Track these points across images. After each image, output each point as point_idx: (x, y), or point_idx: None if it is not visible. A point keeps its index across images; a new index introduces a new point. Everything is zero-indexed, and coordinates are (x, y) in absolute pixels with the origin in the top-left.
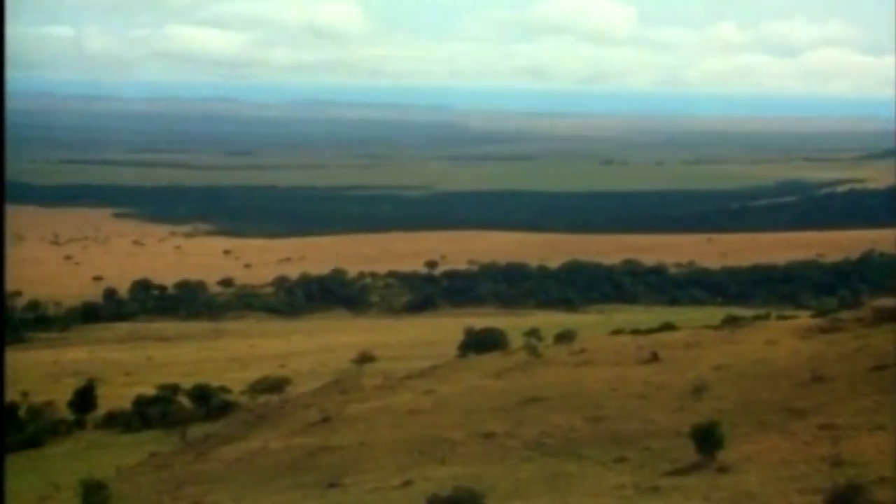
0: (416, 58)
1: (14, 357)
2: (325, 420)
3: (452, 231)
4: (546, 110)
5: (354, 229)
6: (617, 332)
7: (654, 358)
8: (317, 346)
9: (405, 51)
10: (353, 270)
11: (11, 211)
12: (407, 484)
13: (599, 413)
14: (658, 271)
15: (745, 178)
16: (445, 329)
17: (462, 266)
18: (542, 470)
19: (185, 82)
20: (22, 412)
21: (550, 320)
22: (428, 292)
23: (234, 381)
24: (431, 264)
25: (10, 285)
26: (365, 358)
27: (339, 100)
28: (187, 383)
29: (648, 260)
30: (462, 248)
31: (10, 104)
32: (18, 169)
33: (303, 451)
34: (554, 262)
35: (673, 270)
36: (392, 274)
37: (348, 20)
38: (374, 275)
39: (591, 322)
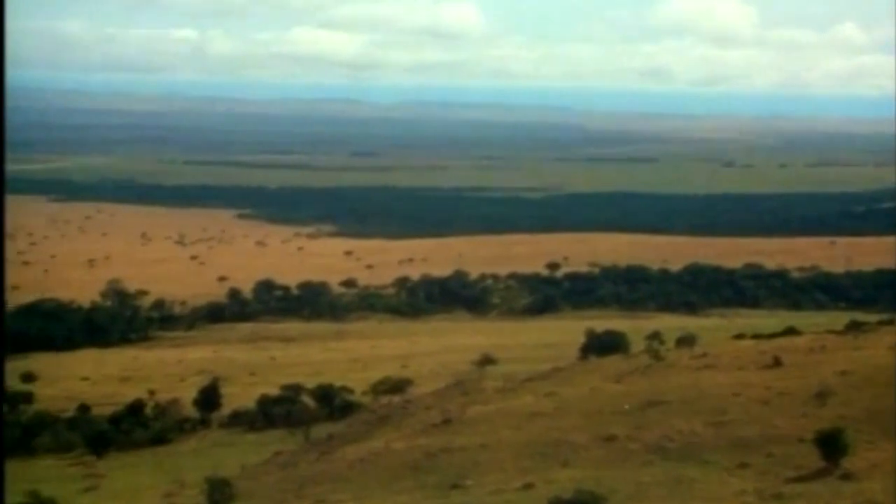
0: (536, 59)
1: (141, 355)
2: (447, 421)
3: (573, 233)
4: (666, 112)
5: (476, 231)
6: (739, 336)
7: (777, 363)
8: (438, 347)
9: (525, 52)
10: (474, 272)
11: (139, 211)
12: (528, 486)
13: (721, 418)
14: (780, 275)
15: (869, 181)
16: (566, 331)
17: (583, 268)
18: (664, 474)
19: (307, 84)
20: (148, 409)
21: (671, 324)
22: (549, 294)
23: (357, 381)
24: (553, 266)
25: (137, 284)
26: (486, 360)
27: (460, 101)
28: (310, 383)
29: (771, 263)
30: (583, 250)
31: (138, 106)
32: (144, 170)
33: (424, 452)
34: (675, 265)
35: (796, 274)
36: (513, 276)
37: (468, 21)
38: (495, 276)
39: (713, 326)
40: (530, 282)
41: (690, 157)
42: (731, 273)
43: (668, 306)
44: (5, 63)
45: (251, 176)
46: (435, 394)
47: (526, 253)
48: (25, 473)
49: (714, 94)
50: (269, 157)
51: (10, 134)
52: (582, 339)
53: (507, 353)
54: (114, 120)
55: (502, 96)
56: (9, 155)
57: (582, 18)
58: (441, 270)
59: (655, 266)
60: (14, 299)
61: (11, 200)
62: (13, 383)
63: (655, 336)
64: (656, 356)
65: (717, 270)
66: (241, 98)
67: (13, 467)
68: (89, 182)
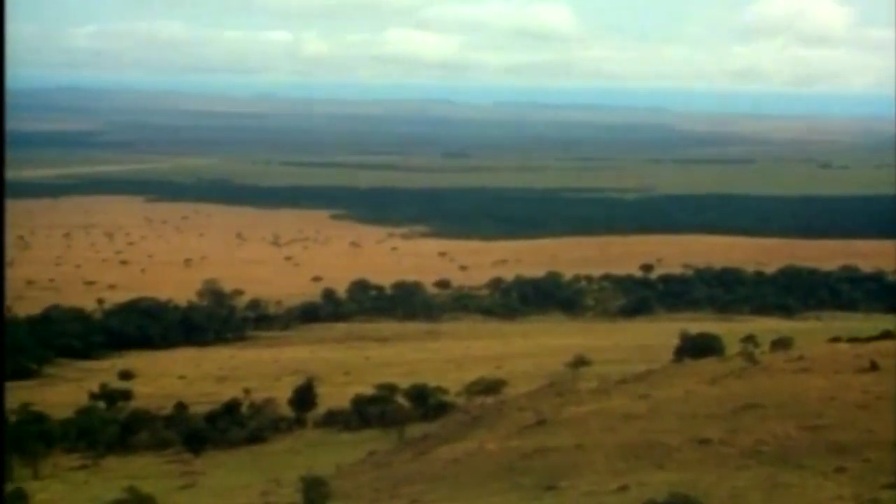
0: (629, 59)
1: (237, 355)
2: (541, 422)
3: (667, 235)
4: (761, 113)
5: (570, 232)
6: (835, 339)
7: (874, 367)
8: (532, 348)
9: (618, 52)
10: (568, 273)
11: (235, 212)
12: (623, 489)
13: (817, 422)
14: (877, 278)
15: None
16: (660, 333)
17: (677, 270)
18: (759, 478)
19: (401, 85)
20: (244, 408)
21: (766, 326)
22: (643, 296)
23: (451, 381)
24: (647, 268)
25: (233, 284)
26: (580, 361)
27: (553, 102)
28: (405, 383)
29: (867, 266)
30: (677, 252)
31: (233, 107)
32: (240, 170)
33: (519, 453)
34: (770, 268)
35: (892, 277)
36: (607, 277)
37: (561, 22)
38: (589, 278)
39: (808, 329)
40: (624, 283)
41: (785, 159)
42: (826, 275)
43: (762, 309)
44: (5, 63)
45: (345, 176)
46: (529, 395)
47: (620, 254)
48: (124, 470)
49: (809, 95)
50: (364, 158)
51: (112, 135)
52: (676, 342)
53: (601, 355)
54: (210, 121)
55: (595, 97)
56: (108, 156)
57: (676, 18)
58: (535, 271)
59: (750, 268)
60: (112, 298)
61: (111, 200)
62: (112, 381)
63: (750, 339)
64: (751, 359)
65: (812, 273)
66: (335, 99)
67: (112, 463)
68: (186, 183)
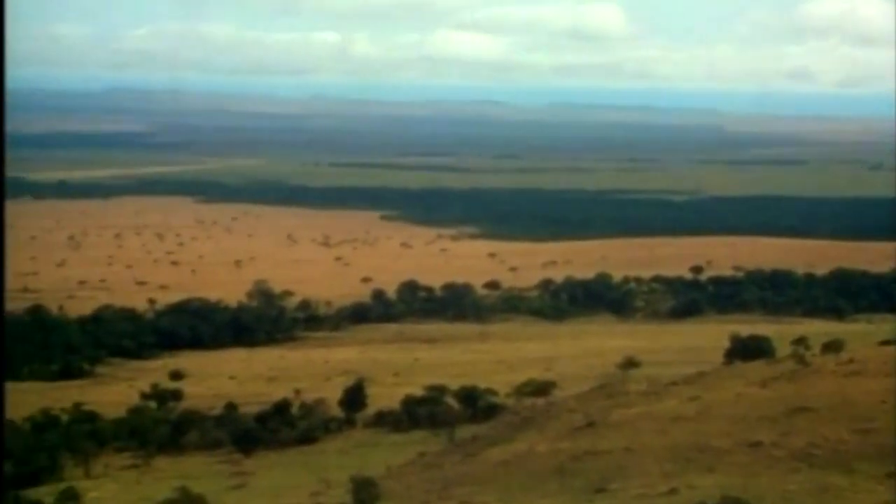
0: (679, 60)
1: (287, 355)
2: (591, 424)
3: (718, 236)
4: (811, 113)
5: (620, 233)
6: (886, 342)
7: None
8: (582, 350)
9: (668, 53)
10: (617, 274)
11: (285, 213)
12: (673, 492)
13: (869, 426)
14: None
15: None
16: (710, 335)
17: (727, 272)
18: (810, 482)
19: (451, 86)
20: (294, 409)
21: (817, 329)
22: (693, 298)
23: (501, 383)
24: (697, 269)
25: (283, 284)
26: (630, 363)
27: (603, 103)
28: (454, 385)
29: None
30: (727, 254)
31: (283, 108)
32: (290, 171)
33: (569, 455)
34: (821, 270)
35: None
36: (657, 279)
37: (611, 23)
38: (638, 279)
39: (860, 332)
40: (674, 285)
41: (836, 160)
42: (878, 278)
43: (813, 311)
44: (5, 63)
45: (395, 178)
46: (579, 397)
47: (669, 256)
48: (174, 470)
49: (859, 96)
50: (413, 159)
51: (164, 136)
52: (726, 344)
53: (651, 357)
54: (260, 122)
55: (645, 98)
56: (159, 157)
57: (725, 19)
58: (584, 273)
59: (801, 270)
60: (163, 298)
61: (162, 201)
62: (162, 381)
63: (801, 341)
64: (802, 361)
65: (863, 275)
66: (384, 100)
67: (163, 463)
68: (236, 184)
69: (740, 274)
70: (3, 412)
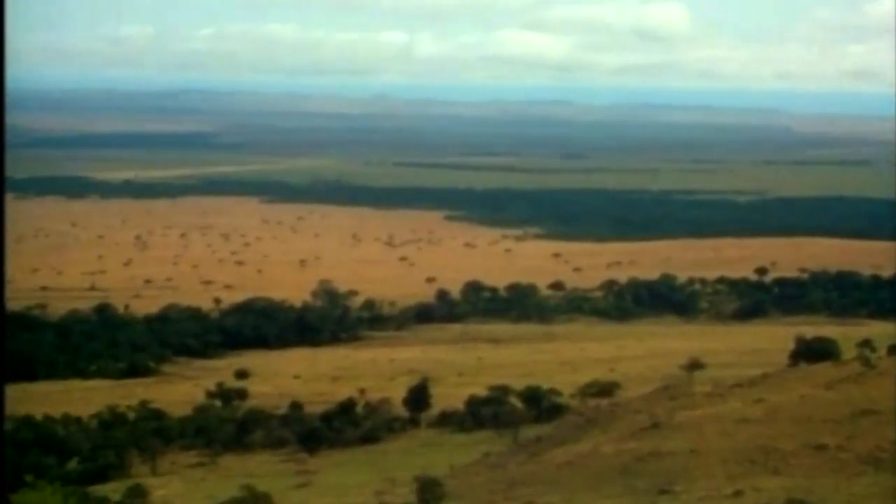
0: (744, 60)
1: (351, 355)
2: (655, 426)
3: (783, 237)
4: (877, 114)
5: (684, 234)
6: None
7: None
8: (646, 350)
9: (733, 52)
10: (682, 275)
11: (350, 213)
12: (738, 494)
13: None
14: None
15: None
16: (775, 337)
17: (792, 273)
18: (877, 485)
19: (515, 86)
20: (359, 408)
21: (883, 331)
22: (758, 299)
23: (565, 383)
24: (761, 271)
25: (347, 284)
26: (694, 364)
27: (667, 103)
28: (518, 385)
29: None
30: (792, 255)
31: (347, 108)
32: (354, 171)
33: (633, 456)
34: (887, 271)
35: None
36: (721, 280)
37: (676, 22)
38: (703, 280)
39: None
40: (739, 286)
41: None
42: None
43: (879, 313)
44: (5, 63)
45: (460, 178)
46: (643, 398)
47: (734, 257)
48: (240, 468)
49: None
50: (478, 159)
51: (229, 136)
52: (791, 345)
53: (716, 358)
54: (324, 122)
55: (710, 98)
56: (224, 157)
57: (791, 18)
58: (649, 274)
59: (867, 272)
60: (228, 298)
61: (227, 201)
62: (228, 379)
63: (867, 343)
64: (868, 364)
65: None
66: (449, 100)
67: (228, 461)
68: (301, 184)
69: (805, 275)
70: (3, 412)
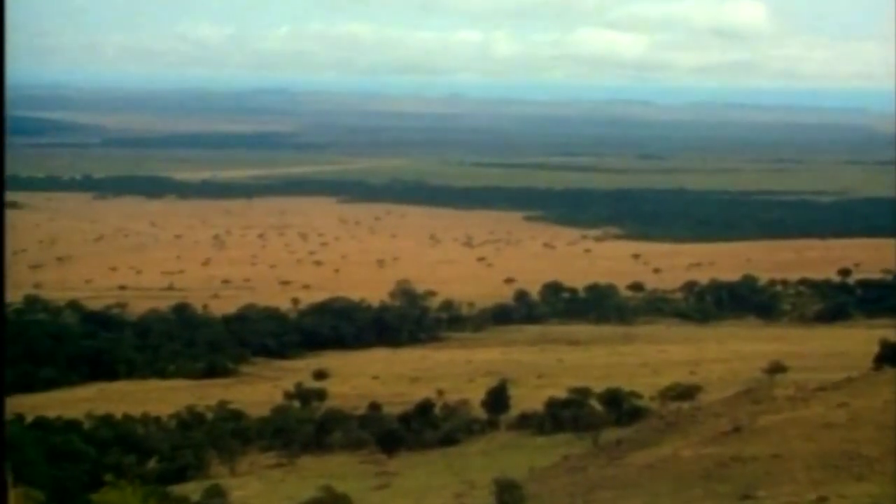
0: (826, 58)
1: (429, 356)
2: (737, 430)
3: (866, 238)
4: None
5: (766, 235)
6: None
7: None
8: (727, 353)
9: (814, 51)
10: (763, 277)
11: (428, 213)
12: (822, 500)
13: None
14: None
15: None
16: (859, 340)
17: (876, 275)
18: None
19: (593, 85)
20: (437, 410)
21: None
22: (841, 301)
23: (645, 386)
24: (844, 272)
25: (426, 285)
26: (776, 367)
27: (748, 102)
28: (598, 387)
29: None
30: (876, 257)
31: (425, 108)
32: (433, 171)
33: (714, 460)
34: None
35: None
36: (804, 282)
37: (755, 20)
38: (785, 282)
39: None
40: (821, 288)
41: None
42: None
43: None
44: (5, 63)
45: (538, 178)
46: (724, 401)
47: (816, 258)
48: (319, 469)
49: None
50: (557, 159)
51: (306, 136)
52: (875, 349)
53: (798, 361)
54: (402, 122)
55: (789, 97)
56: (302, 157)
57: (873, 15)
58: (730, 275)
59: None
60: (306, 298)
61: (305, 201)
62: (306, 380)
63: None
64: None
65: None
66: (526, 99)
67: (307, 462)
68: (379, 183)
69: (889, 277)
70: (4, 412)
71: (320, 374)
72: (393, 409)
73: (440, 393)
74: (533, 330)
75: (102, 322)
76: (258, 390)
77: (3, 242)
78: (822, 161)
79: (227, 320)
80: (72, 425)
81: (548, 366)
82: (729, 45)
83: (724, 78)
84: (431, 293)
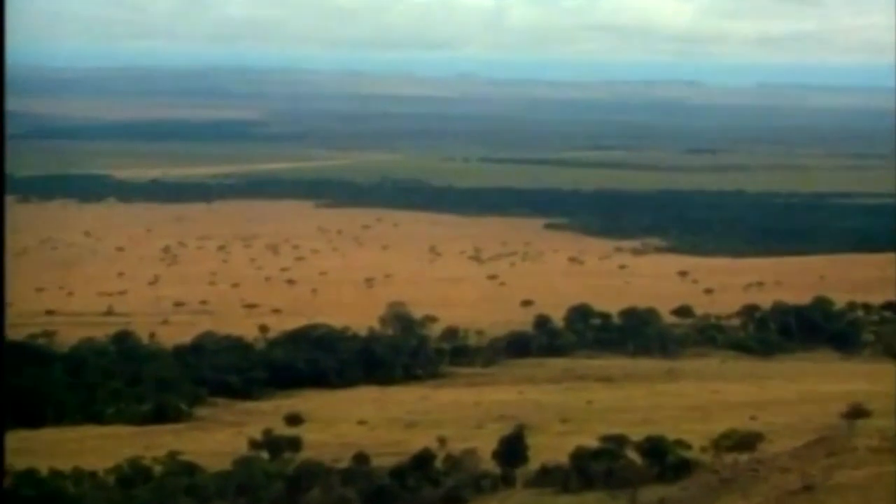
0: None
1: (429, 395)
2: (808, 488)
3: None
4: None
5: (843, 248)
6: None
7: None
8: (795, 394)
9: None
10: (840, 300)
11: (428, 219)
12: None
13: None
14: None
15: None
16: None
17: None
18: None
19: (630, 62)
20: (439, 462)
21: None
22: None
23: (694, 433)
24: None
25: (424, 308)
26: (857, 411)
27: (821, 83)
28: (636, 434)
29: None
30: None
31: (423, 90)
32: (433, 168)
33: None
34: None
35: None
36: (890, 306)
37: None
38: (866, 306)
39: None
40: None
41: None
42: None
43: None
44: (5, 63)
45: (562, 176)
46: (792, 453)
47: None
48: None
49: None
50: (585, 154)
51: (277, 126)
52: None
53: (883, 404)
54: (396, 108)
55: (873, 77)
56: (272, 151)
57: None
58: (798, 297)
59: None
60: (277, 325)
61: (276, 206)
62: (277, 426)
63: None
64: None
65: None
66: (547, 80)
67: None
68: (368, 184)
69: None
70: (4, 412)
71: (294, 419)
72: (384, 462)
73: (442, 441)
74: (556, 364)
75: (25, 355)
76: (217, 438)
77: (2, 243)
78: None
79: (180, 352)
80: None
81: (575, 408)
82: (798, 12)
83: (792, 53)
84: (431, 319)
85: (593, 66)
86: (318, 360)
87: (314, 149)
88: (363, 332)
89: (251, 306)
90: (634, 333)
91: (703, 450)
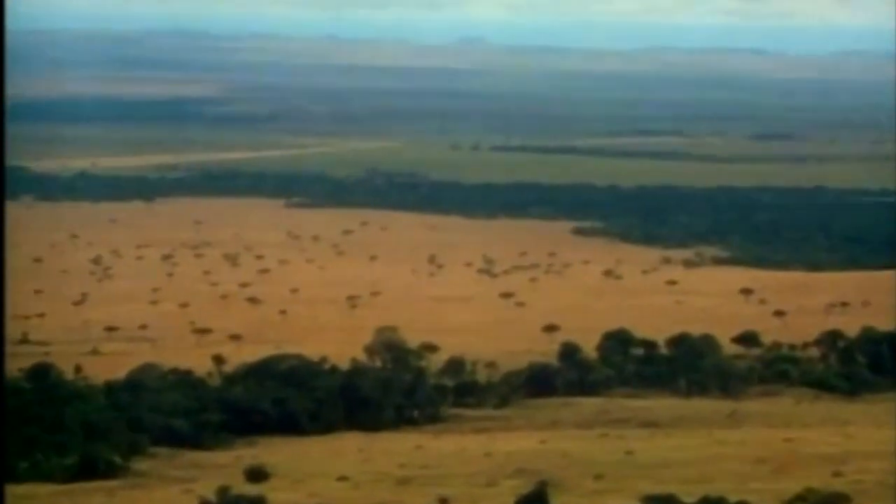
0: None
1: (427, 444)
2: None
3: None
4: None
5: None
6: None
7: None
8: (890, 442)
9: None
10: None
11: (425, 222)
12: None
13: None
14: None
15: None
16: None
17: None
18: None
19: (677, 26)
20: None
21: None
22: None
23: (763, 493)
24: None
25: (421, 334)
26: None
27: None
28: (689, 495)
29: None
30: None
31: (420, 60)
32: (433, 158)
33: None
34: None
35: None
36: None
37: None
38: None
39: None
40: None
41: None
42: None
43: None
44: (5, 62)
45: (595, 169)
46: None
47: None
48: None
49: None
50: (623, 141)
51: (237, 104)
52: None
53: None
54: (387, 83)
55: None
56: (231, 136)
57: None
58: (892, 322)
59: None
60: (236, 355)
61: (235, 205)
62: (235, 482)
63: None
64: None
65: None
66: (575, 48)
67: None
68: (351, 178)
69: None
70: (4, 412)
71: (257, 473)
72: None
73: (444, 502)
74: (588, 404)
75: None
76: (160, 498)
77: (2, 244)
78: None
79: (113, 390)
80: None
81: (611, 460)
82: None
83: (880, 14)
84: (430, 348)
85: (632, 31)
86: (288, 399)
87: (284, 134)
88: (344, 365)
89: (203, 331)
90: (686, 367)
91: None
